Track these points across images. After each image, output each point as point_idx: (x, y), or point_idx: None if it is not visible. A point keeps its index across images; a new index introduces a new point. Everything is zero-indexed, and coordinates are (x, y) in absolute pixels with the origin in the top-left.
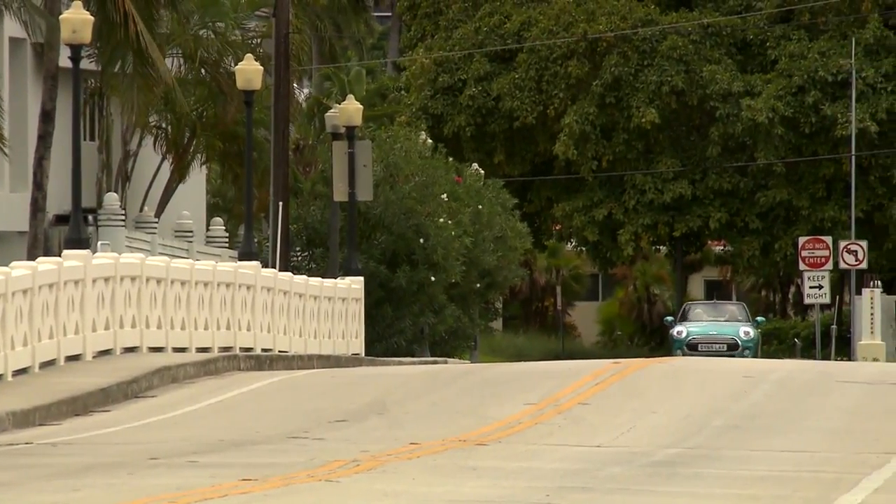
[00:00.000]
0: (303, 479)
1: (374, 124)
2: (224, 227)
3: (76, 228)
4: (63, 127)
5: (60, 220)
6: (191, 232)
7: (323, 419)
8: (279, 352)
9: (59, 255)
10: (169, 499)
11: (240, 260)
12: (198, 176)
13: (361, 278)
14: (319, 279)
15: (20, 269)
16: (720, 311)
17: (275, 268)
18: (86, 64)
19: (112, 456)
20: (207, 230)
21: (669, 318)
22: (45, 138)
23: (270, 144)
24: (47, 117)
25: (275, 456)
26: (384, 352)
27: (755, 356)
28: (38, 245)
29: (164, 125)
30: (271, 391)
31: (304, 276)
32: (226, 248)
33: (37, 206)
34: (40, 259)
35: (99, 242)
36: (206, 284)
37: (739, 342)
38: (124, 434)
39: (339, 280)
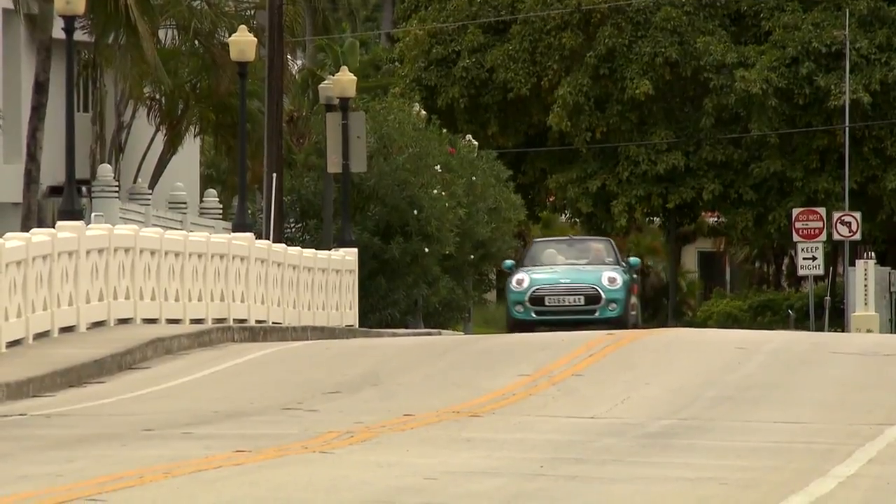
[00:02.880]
0: (297, 451)
1: (367, 96)
2: (218, 199)
3: (70, 200)
4: (56, 98)
5: (54, 191)
6: (184, 203)
7: (317, 390)
8: (273, 323)
9: (53, 227)
10: (163, 470)
11: (234, 231)
12: (191, 147)
13: (355, 250)
14: (313, 251)
15: (14, 240)
16: (579, 252)
17: (269, 239)
18: (79, 35)
19: (106, 427)
20: (201, 202)
21: (509, 263)
22: (38, 109)
23: (264, 116)
24: (41, 88)
25: (269, 427)
26: (378, 323)
27: (624, 311)
28: (32, 216)
29: (157, 96)
30: (265, 362)
31: (298, 248)
32: (220, 219)
33: (30, 177)
34: (34, 230)
35: (93, 214)
36: (199, 256)
37: (602, 293)
38: (118, 405)
39: (332, 252)
